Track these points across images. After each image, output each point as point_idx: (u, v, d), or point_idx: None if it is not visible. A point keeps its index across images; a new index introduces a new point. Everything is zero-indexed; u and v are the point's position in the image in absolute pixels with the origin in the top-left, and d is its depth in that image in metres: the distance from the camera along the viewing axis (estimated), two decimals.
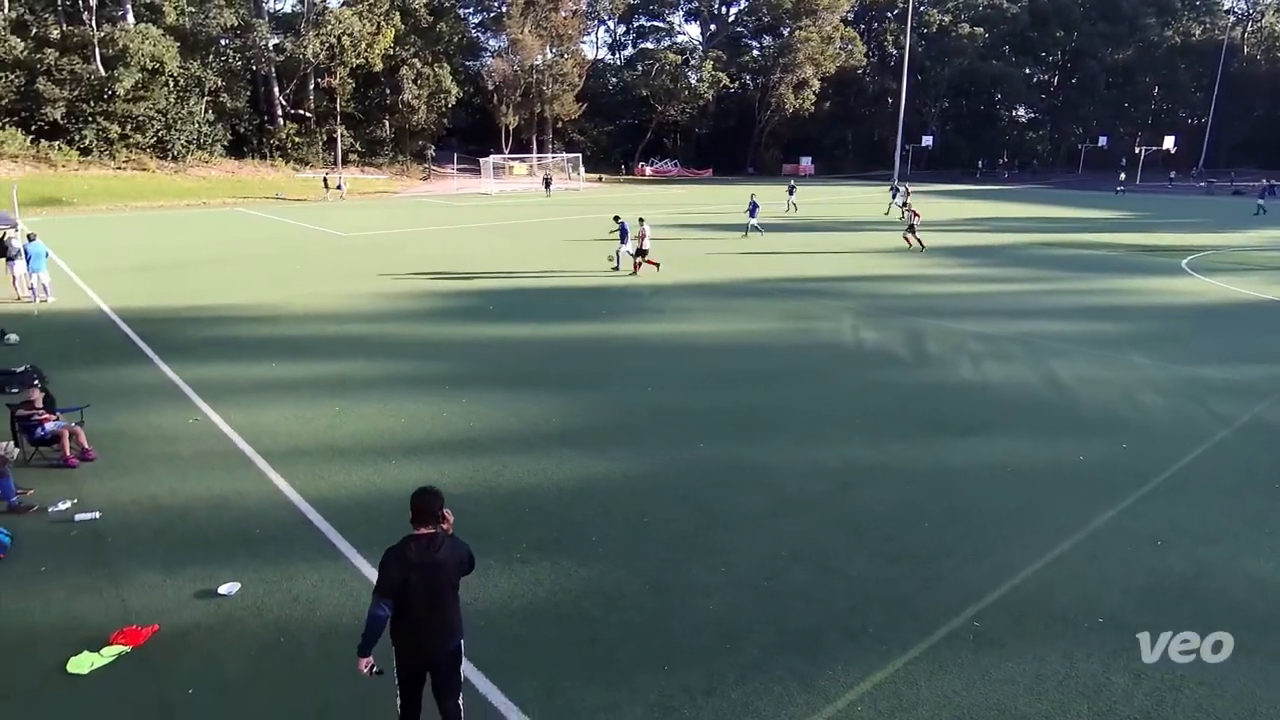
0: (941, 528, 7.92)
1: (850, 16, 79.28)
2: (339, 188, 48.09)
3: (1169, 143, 66.26)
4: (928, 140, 74.76)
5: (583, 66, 68.91)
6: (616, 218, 23.35)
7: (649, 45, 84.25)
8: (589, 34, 79.39)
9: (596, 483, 8.91)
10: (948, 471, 9.21)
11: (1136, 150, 71.03)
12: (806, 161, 78.53)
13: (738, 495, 8.60)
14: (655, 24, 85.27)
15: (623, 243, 22.35)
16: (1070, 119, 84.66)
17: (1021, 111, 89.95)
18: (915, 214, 28.40)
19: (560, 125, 71.48)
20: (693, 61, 75.96)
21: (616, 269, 22.25)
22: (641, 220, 22.10)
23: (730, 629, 6.34)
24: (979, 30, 78.55)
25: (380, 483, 8.81)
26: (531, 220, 36.76)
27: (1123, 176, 59.64)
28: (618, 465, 9.37)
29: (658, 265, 21.84)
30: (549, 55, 68.21)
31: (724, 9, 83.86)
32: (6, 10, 48.11)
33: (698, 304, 18.40)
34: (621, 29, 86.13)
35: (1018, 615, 6.54)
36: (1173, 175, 67.12)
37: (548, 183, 50.85)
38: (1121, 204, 47.77)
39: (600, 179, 66.92)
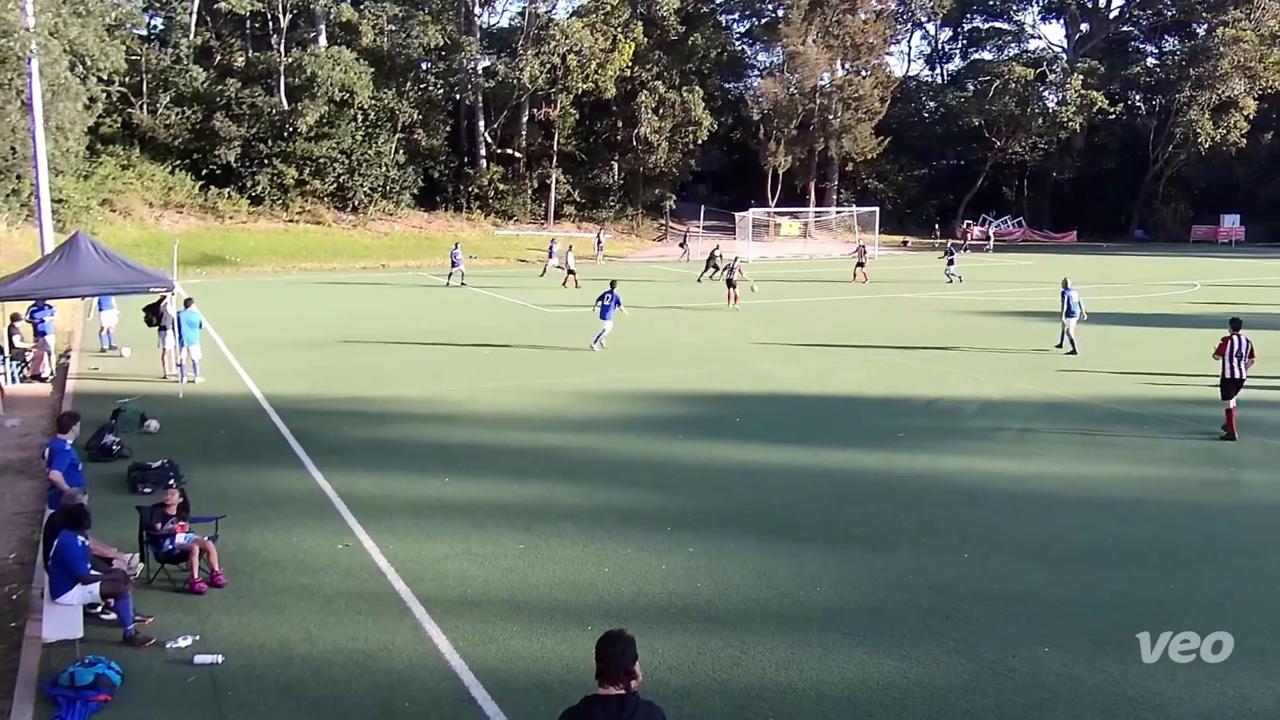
0: None
1: None
2: (598, 246, 55.62)
3: None
4: None
5: (887, 87, 70.27)
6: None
7: (985, 55, 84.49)
8: (898, 42, 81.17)
9: (879, 691, 8.54)
10: None
11: None
12: (1232, 221, 74.33)
13: None
14: (997, 25, 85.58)
15: (604, 318, 25.25)
16: None
17: None
18: None
19: (850, 168, 72.80)
20: (1052, 76, 74.81)
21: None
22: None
23: None
24: None
25: (569, 657, 9.01)
26: (812, 298, 37.13)
27: None
28: (914, 669, 8.94)
29: None
30: (840, 72, 70.36)
31: (1102, 1, 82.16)
32: (192, 36, 58.29)
33: (1046, 429, 17.71)
34: (946, 34, 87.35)
35: None
36: None
37: (682, 241, 51.80)
38: None
39: (906, 243, 66.64)
